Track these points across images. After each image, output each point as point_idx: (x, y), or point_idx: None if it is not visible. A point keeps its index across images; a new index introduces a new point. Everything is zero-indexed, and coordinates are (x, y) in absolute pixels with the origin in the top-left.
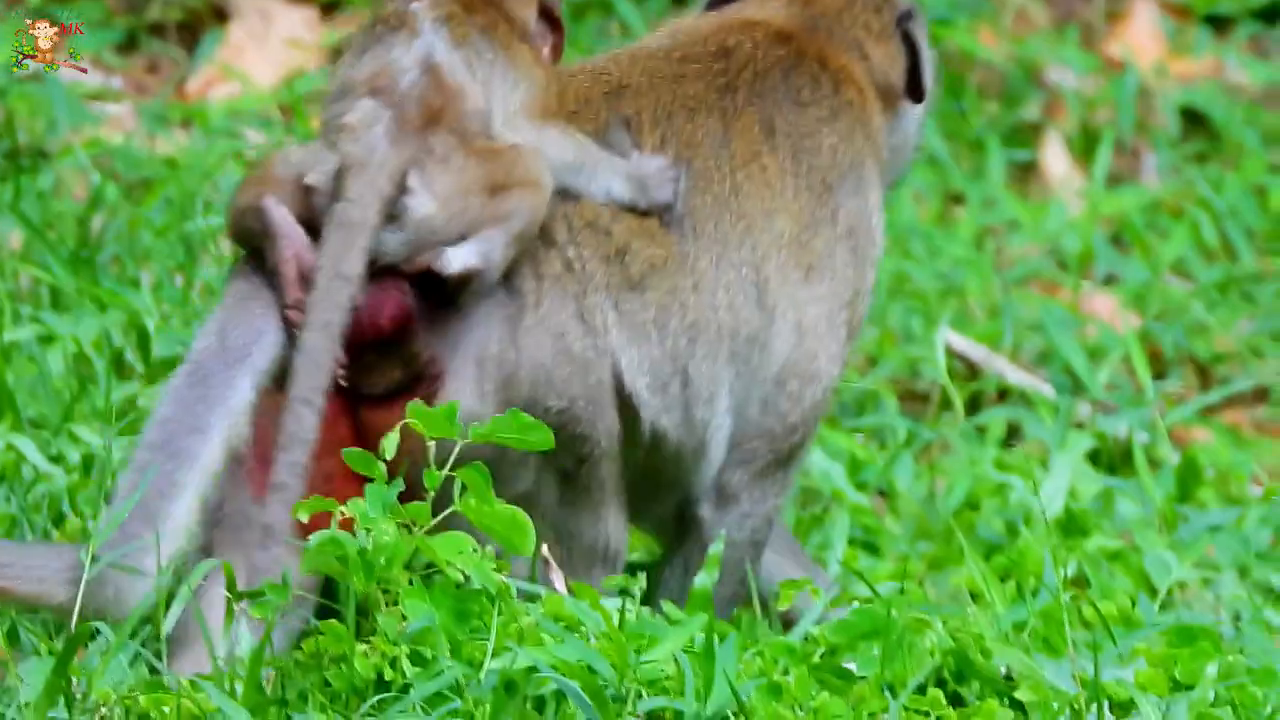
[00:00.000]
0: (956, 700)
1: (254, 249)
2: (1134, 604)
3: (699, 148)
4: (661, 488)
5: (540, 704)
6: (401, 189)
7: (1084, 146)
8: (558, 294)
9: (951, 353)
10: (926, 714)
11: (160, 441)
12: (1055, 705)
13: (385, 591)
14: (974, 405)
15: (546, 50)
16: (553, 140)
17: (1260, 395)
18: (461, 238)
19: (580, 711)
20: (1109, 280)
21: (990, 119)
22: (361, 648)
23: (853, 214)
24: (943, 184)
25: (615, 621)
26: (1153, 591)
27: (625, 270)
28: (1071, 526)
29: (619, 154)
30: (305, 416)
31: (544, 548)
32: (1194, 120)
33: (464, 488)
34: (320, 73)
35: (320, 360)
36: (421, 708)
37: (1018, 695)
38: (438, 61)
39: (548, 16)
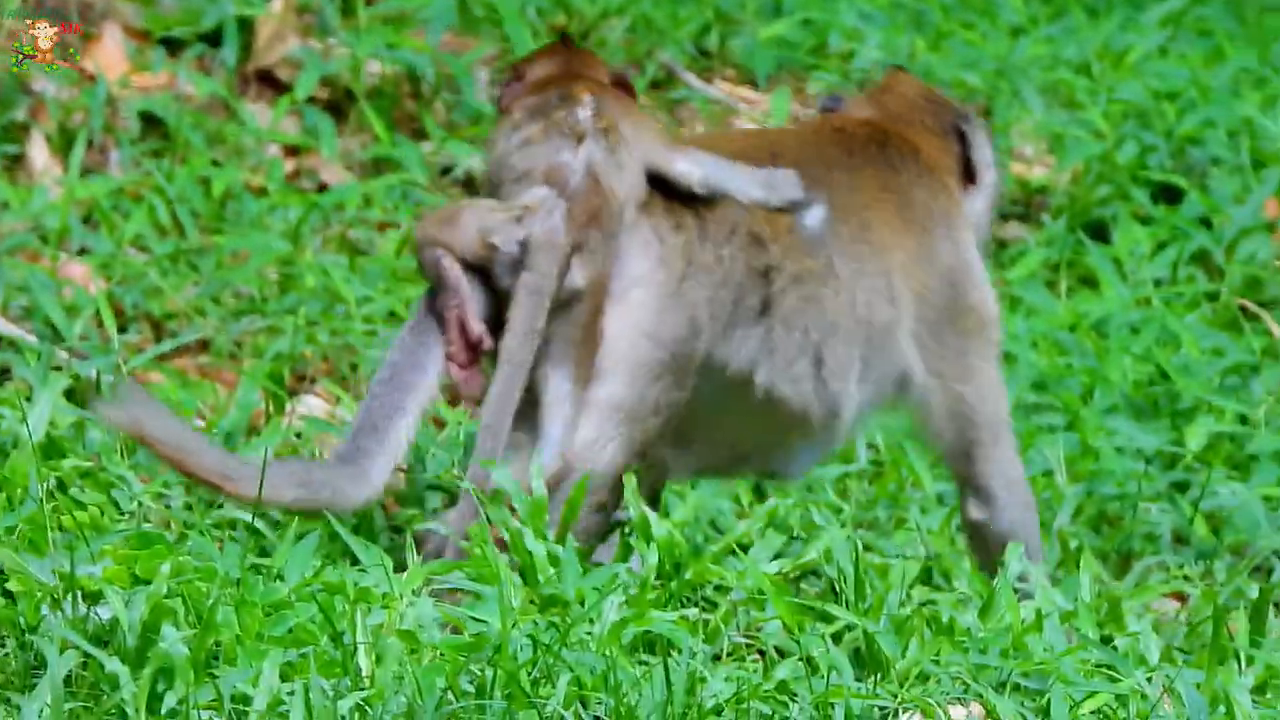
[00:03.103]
0: None
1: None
2: (103, 514)
3: (834, 189)
4: (794, 435)
5: None
6: (567, 266)
7: (63, 144)
8: (699, 279)
9: None
10: None
11: (388, 377)
12: (39, 594)
13: None
14: None
15: None
16: (692, 155)
17: (203, 346)
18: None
19: None
20: (82, 251)
21: None
22: None
23: (948, 257)
24: None
25: None
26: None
27: (767, 282)
28: (51, 450)
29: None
30: (497, 431)
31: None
32: (152, 123)
33: None
34: None
35: (511, 389)
36: None
37: (9, 586)
38: (598, 168)
39: (622, 85)
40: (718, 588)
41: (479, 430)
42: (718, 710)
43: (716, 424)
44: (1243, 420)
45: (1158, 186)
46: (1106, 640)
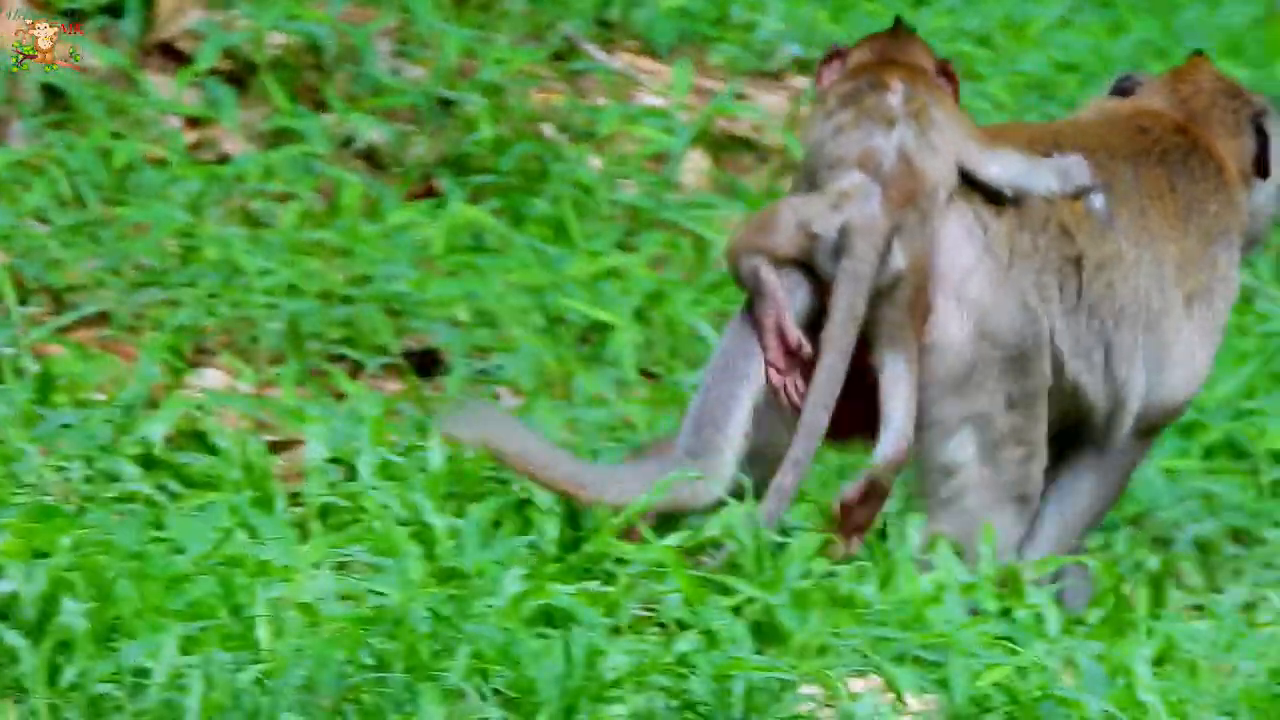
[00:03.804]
0: None
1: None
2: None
3: (1117, 177)
4: (1079, 434)
5: None
6: (888, 250)
7: None
8: (1023, 265)
9: None
10: None
11: (721, 366)
12: None
13: None
14: None
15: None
16: (1002, 157)
17: (104, 318)
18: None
19: None
20: None
21: None
22: None
23: (1223, 266)
24: None
25: None
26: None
27: (1077, 267)
28: None
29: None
30: (819, 417)
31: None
32: (54, 94)
33: None
34: None
35: (835, 375)
36: None
37: None
38: (910, 151)
39: (945, 73)
40: (618, 561)
41: (804, 411)
42: (617, 683)
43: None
44: None
45: None
46: (1006, 612)
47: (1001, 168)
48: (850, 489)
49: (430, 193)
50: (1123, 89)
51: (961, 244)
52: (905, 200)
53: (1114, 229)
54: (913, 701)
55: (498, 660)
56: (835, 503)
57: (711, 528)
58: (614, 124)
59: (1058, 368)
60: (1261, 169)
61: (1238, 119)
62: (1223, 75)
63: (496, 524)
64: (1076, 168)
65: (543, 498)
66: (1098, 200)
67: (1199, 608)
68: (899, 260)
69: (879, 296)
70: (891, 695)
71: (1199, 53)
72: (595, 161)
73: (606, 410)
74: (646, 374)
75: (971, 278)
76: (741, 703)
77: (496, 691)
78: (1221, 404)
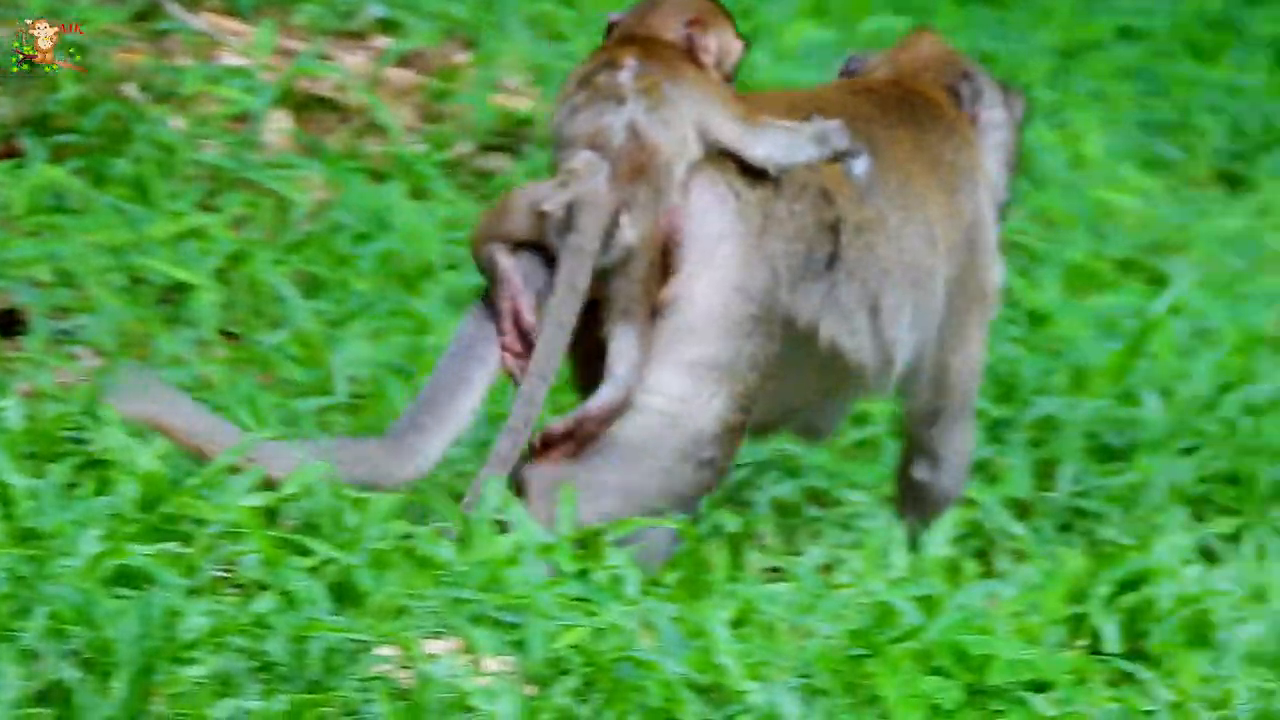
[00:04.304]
0: None
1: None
2: None
3: (878, 143)
4: (844, 390)
5: None
6: (615, 224)
7: None
8: (776, 231)
9: None
10: None
11: (455, 350)
12: None
13: None
14: None
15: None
16: (765, 135)
17: None
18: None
19: None
20: None
21: None
22: None
23: (970, 217)
24: None
25: None
26: None
27: (834, 232)
28: None
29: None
30: (537, 387)
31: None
32: None
33: None
34: None
35: (554, 348)
36: None
37: None
38: (640, 126)
39: (690, 40)
40: (197, 521)
41: (523, 382)
42: (194, 644)
43: (779, 380)
44: None
45: None
46: (584, 574)
47: (765, 148)
48: (557, 424)
49: (11, 153)
50: (851, 70)
51: (712, 211)
52: (634, 175)
53: (875, 193)
54: (490, 663)
55: (75, 621)
56: (537, 435)
57: (289, 486)
58: (197, 84)
59: (810, 332)
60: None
61: (948, 79)
62: (942, 43)
63: (74, 485)
64: (836, 133)
65: (123, 458)
66: (860, 165)
67: (777, 570)
68: (628, 235)
69: (610, 272)
70: (469, 657)
71: (925, 27)
72: (178, 122)
73: (186, 371)
74: (227, 334)
75: (722, 244)
76: (319, 664)
77: (74, 653)
78: None
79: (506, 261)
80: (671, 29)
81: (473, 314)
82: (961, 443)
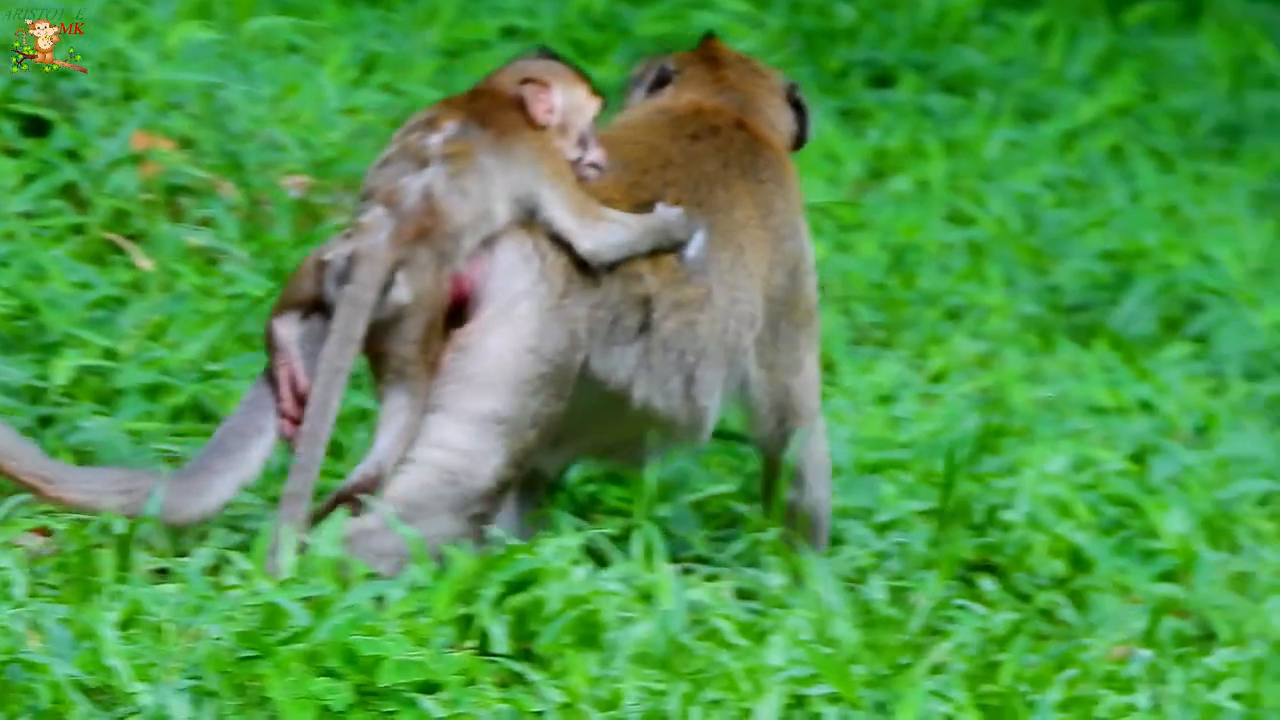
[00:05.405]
0: None
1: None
2: None
3: (718, 210)
4: (660, 435)
5: None
6: (391, 281)
7: None
8: (579, 297)
9: None
10: None
11: (253, 398)
12: None
13: None
14: None
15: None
16: (598, 229)
17: None
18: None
19: None
20: None
21: None
22: None
23: (794, 253)
24: None
25: None
26: None
27: (646, 308)
28: None
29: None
30: (318, 431)
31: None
32: None
33: None
34: None
35: (330, 395)
36: None
37: None
38: (435, 192)
39: (519, 98)
40: None
41: (299, 437)
42: None
43: (590, 429)
44: (110, 354)
45: (27, 120)
46: None
47: (593, 243)
48: (322, 503)
49: None
50: (662, 80)
51: (515, 270)
52: (418, 237)
53: (706, 273)
54: None
55: None
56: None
57: None
58: None
59: (622, 393)
60: (799, 144)
61: (779, 98)
62: (741, 54)
63: None
64: (676, 225)
65: None
66: (694, 248)
67: (164, 571)
68: (402, 293)
69: (383, 329)
70: None
71: (711, 35)
72: None
73: None
74: None
75: (521, 302)
76: None
77: None
78: (187, 366)
79: (284, 331)
80: (510, 86)
81: (257, 382)
82: (818, 453)
